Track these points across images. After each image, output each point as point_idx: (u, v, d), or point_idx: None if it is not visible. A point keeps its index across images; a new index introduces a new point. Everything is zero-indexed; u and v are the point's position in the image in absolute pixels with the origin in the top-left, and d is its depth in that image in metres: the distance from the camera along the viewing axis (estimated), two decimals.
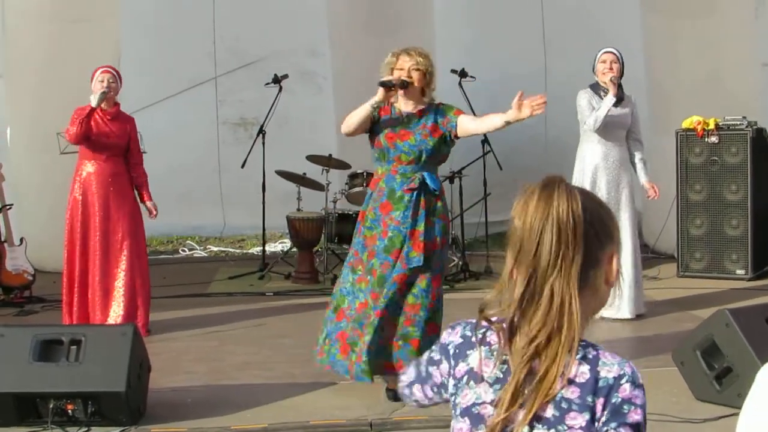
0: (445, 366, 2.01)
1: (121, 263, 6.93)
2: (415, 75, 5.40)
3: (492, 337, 1.96)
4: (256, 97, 10.91)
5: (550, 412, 1.88)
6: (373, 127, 5.48)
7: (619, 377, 1.89)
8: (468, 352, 1.97)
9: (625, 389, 1.88)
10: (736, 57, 9.86)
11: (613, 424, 1.87)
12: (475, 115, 9.22)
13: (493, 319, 1.97)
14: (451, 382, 1.99)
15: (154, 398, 5.30)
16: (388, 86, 5.33)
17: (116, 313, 6.89)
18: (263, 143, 9.74)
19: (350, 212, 9.33)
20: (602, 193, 7.20)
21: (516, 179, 11.15)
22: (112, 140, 6.98)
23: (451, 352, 2.00)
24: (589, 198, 1.96)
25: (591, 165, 7.34)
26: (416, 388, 2.12)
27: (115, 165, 7.01)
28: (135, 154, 7.12)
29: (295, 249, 9.76)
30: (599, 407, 1.88)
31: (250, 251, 11.35)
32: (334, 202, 9.38)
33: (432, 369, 2.05)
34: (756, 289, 8.50)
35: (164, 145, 9.86)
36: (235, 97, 11.78)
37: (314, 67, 11.71)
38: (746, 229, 9.01)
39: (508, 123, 5.16)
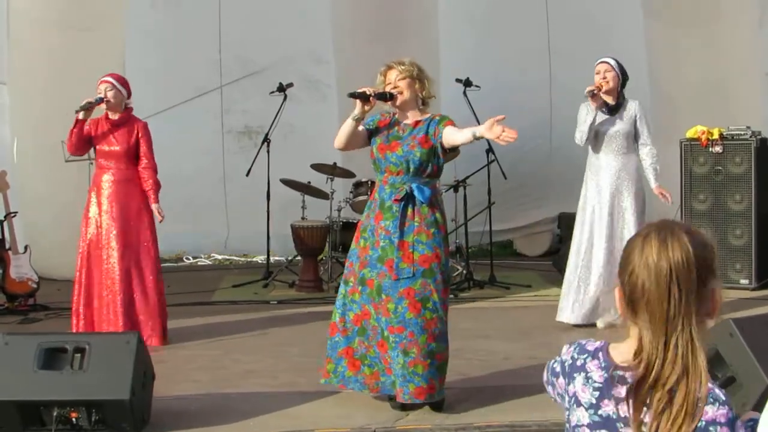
0: (562, 381, 2.18)
1: (133, 272, 6.92)
2: (403, 84, 5.38)
3: (589, 364, 2.11)
4: (261, 105, 10.91)
5: None
6: (371, 138, 5.50)
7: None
8: (574, 375, 2.13)
9: (707, 411, 2.03)
10: (740, 66, 9.86)
11: None
12: (479, 123, 9.25)
13: (597, 346, 2.14)
14: (566, 397, 2.16)
15: (158, 406, 5.30)
16: (357, 98, 5.30)
17: (127, 322, 6.84)
18: (268, 152, 9.75)
19: (354, 221, 9.32)
20: (604, 203, 7.18)
21: (520, 188, 11.08)
22: (115, 148, 6.96)
23: (567, 370, 2.16)
24: (695, 239, 2.06)
25: (594, 175, 7.34)
26: (548, 386, 2.27)
27: (125, 173, 6.99)
28: (144, 157, 7.04)
29: (299, 257, 9.77)
30: None
31: (254, 259, 11.36)
32: (339, 210, 9.38)
33: (554, 379, 2.21)
34: (760, 299, 8.48)
35: (169, 154, 9.82)
36: (240, 105, 11.78)
37: (319, 75, 11.72)
38: (750, 238, 9.00)
39: (476, 137, 5.20)
